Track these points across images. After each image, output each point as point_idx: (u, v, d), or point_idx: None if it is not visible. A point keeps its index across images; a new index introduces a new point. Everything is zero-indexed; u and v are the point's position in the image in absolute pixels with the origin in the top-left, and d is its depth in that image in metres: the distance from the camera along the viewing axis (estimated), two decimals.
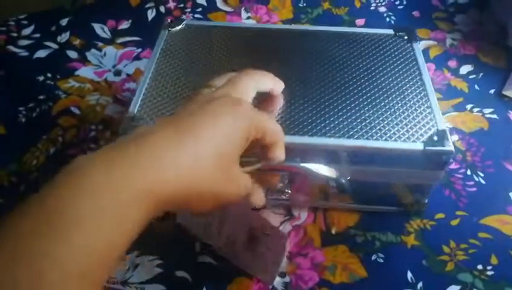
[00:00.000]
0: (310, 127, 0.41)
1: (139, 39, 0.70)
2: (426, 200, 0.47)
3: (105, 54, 0.67)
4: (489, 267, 0.43)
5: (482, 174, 0.52)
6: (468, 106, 0.60)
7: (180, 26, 0.53)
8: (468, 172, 0.53)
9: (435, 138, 0.41)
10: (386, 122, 0.42)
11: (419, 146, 0.40)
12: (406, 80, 0.47)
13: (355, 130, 0.41)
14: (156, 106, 0.44)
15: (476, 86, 0.63)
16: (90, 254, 0.21)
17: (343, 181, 0.43)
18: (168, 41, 0.51)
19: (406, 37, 0.52)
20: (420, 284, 0.42)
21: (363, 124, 0.42)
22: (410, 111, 0.43)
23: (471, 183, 0.51)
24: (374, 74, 0.47)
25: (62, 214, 0.21)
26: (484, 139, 0.56)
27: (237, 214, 0.42)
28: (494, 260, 0.44)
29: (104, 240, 0.22)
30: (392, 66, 0.48)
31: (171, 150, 0.25)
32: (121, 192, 0.22)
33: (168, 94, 0.45)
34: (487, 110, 0.60)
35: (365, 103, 0.44)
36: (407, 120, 0.42)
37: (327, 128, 0.41)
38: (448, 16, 0.74)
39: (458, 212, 0.49)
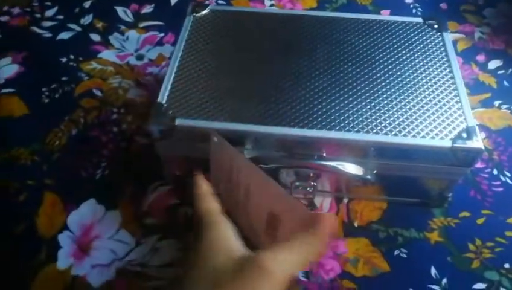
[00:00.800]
0: (337, 121, 0.41)
1: (162, 24, 0.69)
2: (450, 195, 0.46)
3: (127, 38, 0.67)
4: None
5: (509, 174, 0.51)
6: (496, 103, 0.59)
7: (205, 12, 0.52)
8: (495, 172, 0.51)
9: (464, 134, 0.40)
10: (414, 117, 0.41)
11: (447, 143, 0.39)
12: (435, 72, 0.45)
13: (383, 125, 0.40)
14: (184, 96, 0.43)
15: (505, 82, 0.61)
16: None
17: (369, 177, 0.42)
18: (194, 26, 0.51)
19: (435, 26, 0.50)
20: (445, 280, 0.42)
21: (391, 119, 0.41)
22: (438, 106, 0.42)
23: (498, 183, 0.50)
24: (402, 65, 0.46)
25: None
26: None
27: (260, 196, 0.42)
28: None
29: None
30: (421, 57, 0.47)
31: None
32: None
33: (196, 82, 0.44)
34: None
35: (393, 96, 0.43)
36: (435, 115, 0.41)
37: (355, 122, 0.41)
38: (476, 8, 0.72)
39: (484, 211, 0.48)
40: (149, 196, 0.49)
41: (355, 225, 0.46)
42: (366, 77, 0.45)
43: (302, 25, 0.51)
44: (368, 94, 0.43)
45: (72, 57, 0.64)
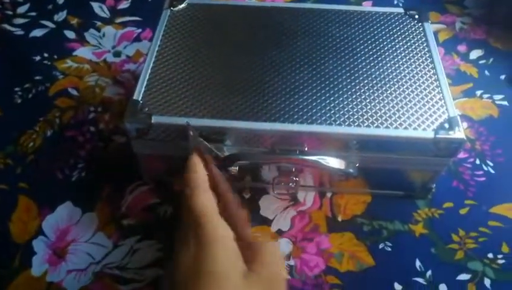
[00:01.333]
0: (319, 115, 0.40)
1: (139, 19, 0.67)
2: (434, 186, 0.46)
3: (104, 35, 0.65)
4: (500, 256, 0.42)
5: (491, 164, 0.51)
6: (478, 92, 0.59)
7: (182, 5, 0.51)
8: (477, 161, 0.51)
9: (446, 125, 0.39)
10: (396, 108, 0.40)
11: (429, 134, 0.39)
12: (417, 63, 0.45)
13: (365, 117, 0.40)
14: (161, 92, 0.42)
15: (486, 72, 0.61)
16: None
17: (351, 171, 0.41)
18: (170, 21, 0.49)
19: (416, 17, 0.50)
20: (429, 273, 0.41)
21: (373, 111, 0.40)
22: (420, 97, 0.42)
23: (480, 173, 0.50)
24: (383, 56, 0.45)
25: None
26: (494, 127, 0.55)
27: None
28: (505, 248, 0.43)
29: None
30: (402, 48, 0.46)
31: None
32: None
33: (173, 78, 0.43)
34: (497, 97, 0.58)
35: (374, 88, 0.42)
36: (417, 106, 0.41)
37: (336, 115, 0.40)
38: None
39: (467, 201, 0.47)
40: (127, 197, 0.48)
41: (339, 219, 0.46)
42: (347, 69, 0.44)
43: (283, 17, 0.50)
44: (349, 86, 0.42)
45: (46, 55, 0.62)
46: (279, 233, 0.45)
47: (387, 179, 0.45)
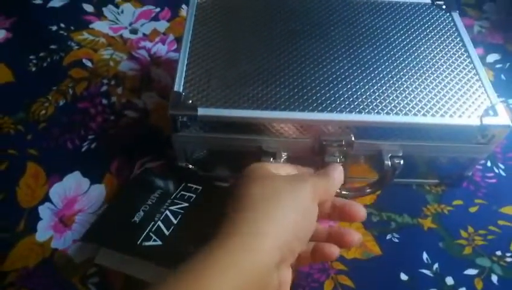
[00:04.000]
0: (365, 104, 0.40)
1: None
2: (470, 173, 0.46)
3: (122, 11, 0.65)
4: (508, 254, 0.42)
5: (502, 166, 0.51)
6: None
7: None
8: (488, 164, 0.51)
9: (490, 112, 0.39)
10: (438, 97, 0.41)
11: (475, 121, 0.39)
12: (452, 52, 0.45)
13: (411, 106, 0.40)
14: (201, 83, 0.41)
15: (503, 76, 0.61)
16: None
17: (400, 162, 0.41)
18: (199, 11, 0.48)
19: (444, 7, 0.50)
20: (436, 265, 0.41)
21: (417, 99, 0.40)
22: (460, 85, 0.42)
23: (491, 175, 0.50)
24: (417, 46, 0.46)
25: None
26: None
27: None
28: None
29: None
30: (434, 38, 0.47)
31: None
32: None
33: (210, 69, 0.42)
34: None
35: (414, 77, 0.42)
36: (459, 94, 0.41)
37: (383, 104, 0.40)
38: (477, 2, 0.71)
39: (477, 201, 0.47)
40: (135, 172, 0.47)
41: None
42: (385, 58, 0.44)
43: (312, 6, 0.50)
44: (390, 76, 0.42)
45: (62, 25, 0.62)
46: None
47: (425, 168, 0.45)
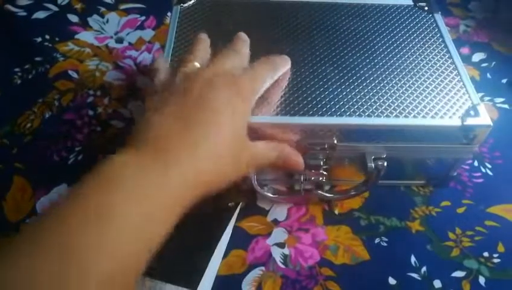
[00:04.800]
0: (347, 107, 0.40)
1: (143, 7, 0.67)
2: (455, 174, 0.47)
3: (107, 21, 0.65)
4: (495, 255, 0.42)
5: (489, 166, 0.51)
6: (479, 95, 0.58)
7: (192, 1, 0.50)
8: (475, 163, 0.51)
9: (471, 112, 0.40)
10: (420, 98, 0.41)
11: (456, 122, 0.39)
12: (433, 53, 0.45)
13: (392, 108, 0.40)
14: None
15: (488, 75, 0.61)
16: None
17: (383, 163, 0.41)
18: (182, 18, 0.48)
19: (426, 8, 0.50)
20: (424, 269, 0.41)
21: (399, 101, 0.40)
22: (442, 86, 0.42)
23: (478, 174, 0.50)
24: (399, 48, 0.46)
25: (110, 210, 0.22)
26: (493, 130, 0.54)
27: None
28: (500, 248, 0.43)
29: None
30: (416, 39, 0.47)
31: (188, 151, 0.27)
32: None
33: None
34: (498, 100, 0.58)
35: (396, 79, 0.42)
36: (440, 95, 0.41)
37: (365, 107, 0.40)
38: (462, 1, 0.72)
39: (464, 201, 0.47)
40: None
41: (336, 212, 0.46)
42: (367, 61, 0.44)
43: (295, 11, 0.50)
44: (372, 78, 0.42)
45: (47, 37, 0.61)
46: (275, 223, 0.44)
47: (410, 169, 0.46)
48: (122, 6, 0.67)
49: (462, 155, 0.43)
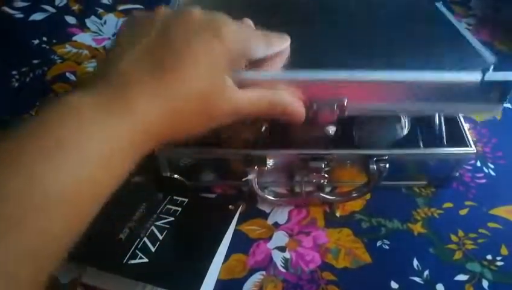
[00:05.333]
0: (359, 61, 0.36)
1: (141, 7, 0.66)
2: (457, 173, 0.46)
3: (105, 22, 0.64)
4: (498, 258, 0.42)
5: (492, 166, 0.50)
6: None
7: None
8: (478, 163, 0.51)
9: (491, 68, 0.36)
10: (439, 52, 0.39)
11: (476, 76, 0.36)
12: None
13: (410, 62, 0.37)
14: None
15: None
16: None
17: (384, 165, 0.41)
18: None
19: None
20: (427, 272, 0.41)
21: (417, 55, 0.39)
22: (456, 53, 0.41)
23: (481, 175, 0.50)
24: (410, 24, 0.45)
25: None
26: (496, 129, 0.54)
27: None
28: (504, 251, 0.42)
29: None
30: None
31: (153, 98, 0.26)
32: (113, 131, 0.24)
33: None
34: None
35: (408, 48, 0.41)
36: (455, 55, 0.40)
37: (383, 60, 0.37)
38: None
39: (467, 203, 0.47)
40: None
41: (337, 214, 0.45)
42: (377, 28, 0.44)
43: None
44: (384, 37, 0.41)
45: (44, 39, 0.61)
46: (276, 226, 0.44)
47: (412, 170, 0.45)
48: (120, 7, 0.66)
49: (464, 156, 0.43)
